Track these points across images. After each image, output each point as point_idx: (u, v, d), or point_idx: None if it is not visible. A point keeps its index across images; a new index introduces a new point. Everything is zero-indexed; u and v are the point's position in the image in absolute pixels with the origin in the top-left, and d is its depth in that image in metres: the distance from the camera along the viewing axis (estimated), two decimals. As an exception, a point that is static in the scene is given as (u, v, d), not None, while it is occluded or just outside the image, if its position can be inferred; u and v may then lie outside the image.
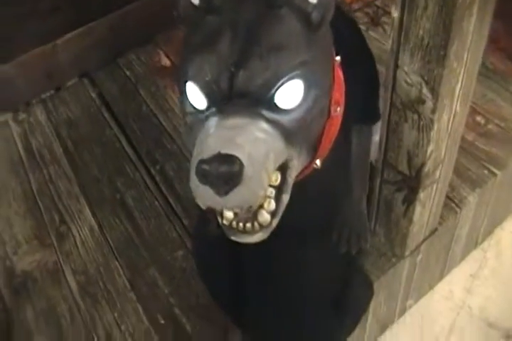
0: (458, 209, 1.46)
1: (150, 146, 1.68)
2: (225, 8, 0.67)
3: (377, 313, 1.43)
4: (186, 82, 0.66)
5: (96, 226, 1.50)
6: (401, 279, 1.44)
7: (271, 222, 0.65)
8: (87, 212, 1.54)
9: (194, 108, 0.66)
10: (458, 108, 1.07)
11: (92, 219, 1.52)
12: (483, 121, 1.69)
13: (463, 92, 1.04)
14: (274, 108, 0.64)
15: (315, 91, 0.66)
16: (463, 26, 0.90)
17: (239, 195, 0.58)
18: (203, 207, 0.62)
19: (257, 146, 0.60)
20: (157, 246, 1.43)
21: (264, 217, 0.65)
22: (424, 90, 0.99)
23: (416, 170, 1.13)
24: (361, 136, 1.12)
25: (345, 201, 1.21)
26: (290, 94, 0.64)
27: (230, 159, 0.57)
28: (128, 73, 1.93)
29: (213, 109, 0.64)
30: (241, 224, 0.65)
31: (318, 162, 0.77)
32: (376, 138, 1.19)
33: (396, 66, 1.02)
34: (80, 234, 1.49)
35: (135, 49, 2.00)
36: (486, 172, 1.55)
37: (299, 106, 0.65)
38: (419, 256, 1.42)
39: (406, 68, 1.00)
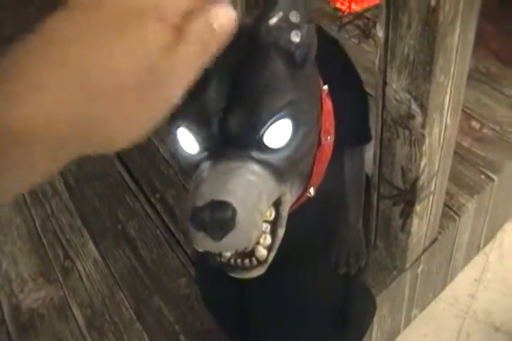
0: (457, 217, 1.41)
1: (149, 175, 1.64)
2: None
3: (382, 326, 1.38)
4: (178, 127, 0.63)
5: (100, 259, 1.45)
6: (404, 291, 1.40)
7: (267, 257, 0.63)
8: (91, 245, 1.49)
9: (187, 152, 0.63)
10: (448, 120, 1.03)
11: (96, 251, 1.47)
12: (478, 126, 1.65)
13: (452, 104, 1.00)
14: (264, 148, 0.61)
15: (303, 129, 0.63)
16: (447, 42, 0.87)
17: (234, 239, 0.56)
18: (201, 251, 0.60)
19: (248, 190, 0.57)
20: (160, 275, 1.39)
21: (261, 252, 0.62)
22: (413, 106, 0.95)
23: (410, 184, 1.09)
24: (354, 158, 1.07)
25: (342, 223, 1.17)
26: (279, 133, 0.61)
27: (222, 206, 0.55)
28: None
29: (205, 153, 0.61)
30: (239, 261, 0.62)
31: (311, 190, 0.74)
32: (370, 152, 1.14)
33: (384, 83, 0.98)
34: (84, 268, 1.44)
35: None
36: (483, 177, 1.50)
37: (288, 144, 0.62)
38: (421, 267, 1.37)
39: (394, 85, 0.96)
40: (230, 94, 0.60)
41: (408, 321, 1.55)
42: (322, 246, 1.11)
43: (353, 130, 0.94)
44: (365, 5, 2.12)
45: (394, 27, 0.89)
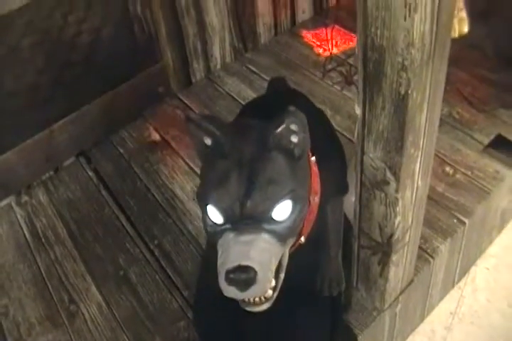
0: (431, 259, 1.51)
1: (147, 222, 1.70)
2: (231, 153, 0.86)
3: (363, 362, 1.46)
4: (207, 205, 0.85)
5: (103, 303, 1.52)
6: (384, 329, 1.49)
7: (273, 295, 0.87)
8: (94, 290, 1.55)
9: (213, 222, 0.85)
10: (420, 183, 1.14)
11: (99, 296, 1.53)
12: (451, 172, 1.74)
13: (423, 170, 1.11)
14: (272, 221, 0.84)
15: (299, 205, 0.86)
16: (416, 122, 0.98)
17: (254, 291, 0.81)
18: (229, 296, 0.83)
19: (263, 255, 0.81)
20: (161, 318, 1.46)
21: (268, 292, 0.86)
22: (388, 174, 1.06)
23: (387, 238, 1.20)
24: (335, 206, 1.27)
25: (325, 257, 1.36)
26: (283, 210, 0.83)
27: (247, 269, 0.79)
28: (121, 151, 1.96)
29: (228, 225, 0.83)
30: (251, 299, 0.85)
31: (302, 238, 0.96)
32: (352, 198, 1.26)
33: (362, 152, 1.09)
34: (88, 312, 1.50)
35: (126, 125, 2.04)
36: (455, 221, 1.59)
37: (289, 217, 0.85)
38: (399, 307, 1.47)
39: (371, 155, 1.07)
40: (247, 185, 0.83)
41: (388, 355, 1.64)
42: (309, 279, 1.31)
43: (335, 186, 1.17)
44: (343, 48, 2.24)
45: (370, 107, 1.00)
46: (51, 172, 1.93)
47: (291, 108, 0.84)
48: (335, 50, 2.24)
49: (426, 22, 0.84)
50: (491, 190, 1.67)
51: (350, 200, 1.27)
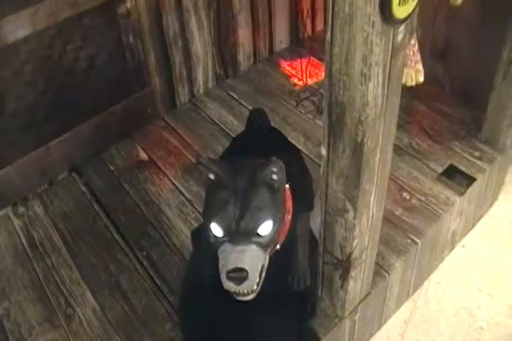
0: (387, 275, 1.73)
1: (136, 235, 1.87)
2: (229, 186, 1.19)
3: (325, 364, 1.67)
4: (210, 222, 1.18)
5: (97, 307, 1.68)
6: (344, 335, 1.71)
7: (256, 289, 1.20)
8: (89, 295, 1.71)
9: (215, 235, 1.18)
10: (374, 211, 1.37)
11: (94, 301, 1.70)
12: (408, 197, 1.97)
13: (377, 201, 1.35)
14: (258, 235, 1.18)
15: (277, 224, 1.20)
16: (370, 163, 1.21)
17: (246, 285, 1.15)
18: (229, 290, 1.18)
19: (253, 260, 1.16)
20: (149, 321, 1.64)
21: (254, 286, 1.18)
22: (347, 204, 1.29)
23: (346, 256, 1.42)
24: (303, 219, 1.55)
25: (294, 260, 1.61)
26: (266, 228, 1.18)
27: (241, 270, 1.13)
28: (111, 168, 2.14)
29: (226, 238, 1.17)
30: (241, 291, 1.18)
31: (278, 246, 1.29)
32: (318, 220, 1.48)
33: (326, 185, 1.32)
34: (84, 315, 1.67)
35: (115, 144, 2.23)
36: (409, 241, 1.82)
37: (270, 232, 1.19)
38: (358, 315, 1.69)
39: (333, 187, 1.30)
40: (240, 209, 1.17)
41: (347, 358, 1.86)
42: (282, 276, 1.57)
43: (303, 205, 1.49)
44: (317, 78, 2.45)
45: (333, 150, 1.23)
46: (45, 186, 2.09)
47: (274, 158, 1.20)
48: (309, 80, 2.45)
49: (378, 88, 1.07)
50: (441, 215, 1.90)
51: (318, 221, 1.53)
